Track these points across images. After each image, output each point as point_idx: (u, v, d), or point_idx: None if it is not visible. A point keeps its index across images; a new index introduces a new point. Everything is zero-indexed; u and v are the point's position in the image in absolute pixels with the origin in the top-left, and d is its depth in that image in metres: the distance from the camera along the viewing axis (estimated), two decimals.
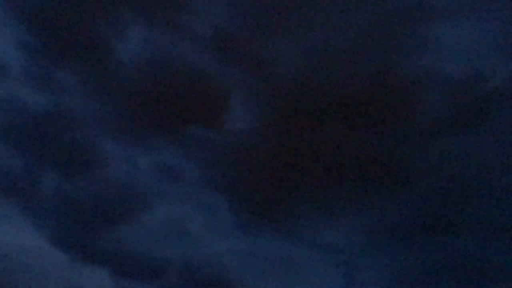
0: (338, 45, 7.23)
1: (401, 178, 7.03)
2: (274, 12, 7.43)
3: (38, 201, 7.83)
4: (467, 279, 6.57)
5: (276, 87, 7.84)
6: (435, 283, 6.80)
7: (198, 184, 8.14)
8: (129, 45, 7.88)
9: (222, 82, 7.99)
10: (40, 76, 7.80)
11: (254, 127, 7.96)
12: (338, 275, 7.34)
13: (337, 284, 7.27)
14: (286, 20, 7.58)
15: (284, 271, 7.66)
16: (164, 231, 8.05)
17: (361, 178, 7.30)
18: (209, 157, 8.15)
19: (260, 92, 7.95)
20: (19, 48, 7.50)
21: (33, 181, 7.83)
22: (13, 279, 7.06)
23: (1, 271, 7.04)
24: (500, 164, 6.62)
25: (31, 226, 7.72)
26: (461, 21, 6.63)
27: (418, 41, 6.86)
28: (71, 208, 7.86)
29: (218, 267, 7.88)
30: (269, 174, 7.96)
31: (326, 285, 7.39)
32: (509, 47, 6.62)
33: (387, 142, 7.03)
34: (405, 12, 6.94)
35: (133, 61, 7.90)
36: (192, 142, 8.22)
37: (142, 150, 8.27)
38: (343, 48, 7.22)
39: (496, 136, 6.57)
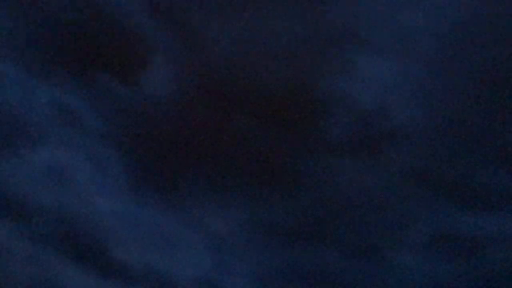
0: (272, 46, 7.16)
1: (294, 186, 7.09)
2: None
3: None
4: None
5: (203, 63, 7.54)
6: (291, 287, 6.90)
7: (95, 135, 7.49)
8: None
9: (149, 39, 7.49)
10: None
11: (170, 95, 7.54)
12: (210, 259, 7.16)
13: (206, 266, 7.10)
14: (232, 3, 7.34)
15: (162, 243, 7.29)
16: (45, 175, 7.26)
17: (258, 176, 7.23)
18: (115, 111, 7.54)
19: (185, 62, 7.57)
20: None
21: None
22: None
23: None
24: (381, 195, 6.95)
25: None
26: (385, 58, 6.88)
27: (342, 66, 6.99)
28: None
29: (95, 226, 7.27)
30: (172, 145, 7.56)
31: (196, 265, 7.18)
32: (419, 91, 6.96)
33: (291, 150, 7.06)
34: (338, 36, 7.06)
35: None
36: (101, 91, 7.58)
37: (45, 83, 7.44)
38: (275, 50, 7.17)
39: (385, 170, 6.88)
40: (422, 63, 6.99)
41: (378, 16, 7.19)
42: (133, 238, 7.49)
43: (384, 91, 7.19)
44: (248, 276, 7.45)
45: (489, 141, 6.79)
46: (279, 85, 7.51)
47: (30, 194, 7.15)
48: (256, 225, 7.54)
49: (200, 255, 7.53)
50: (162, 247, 7.46)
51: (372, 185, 7.21)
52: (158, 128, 7.69)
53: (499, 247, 6.69)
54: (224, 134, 7.67)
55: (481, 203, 6.88)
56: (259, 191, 7.49)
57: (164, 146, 7.66)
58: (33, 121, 7.41)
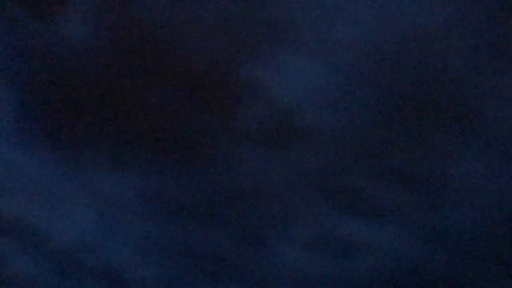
0: (203, 25, 6.99)
1: (198, 166, 7.09)
2: None
3: None
4: (202, 269, 6.93)
5: (128, 16, 7.06)
6: (169, 262, 6.99)
7: None
8: None
9: None
10: None
11: (85, 40, 6.96)
12: (95, 223, 6.94)
13: (89, 229, 6.91)
14: None
15: (47, 198, 6.85)
16: None
17: (163, 149, 7.09)
18: (21, 46, 6.78)
19: (110, 10, 7.02)
20: None
21: None
22: None
23: None
24: (277, 189, 7.25)
25: None
26: (311, 59, 7.08)
27: (267, 60, 7.09)
28: None
29: None
30: (76, 96, 7.03)
31: (78, 226, 6.93)
32: (335, 97, 7.27)
33: (202, 130, 7.02)
34: (269, 31, 7.11)
35: None
36: (8, 21, 6.73)
37: None
38: (206, 29, 7.01)
39: (287, 166, 7.17)
40: (344, 71, 7.16)
41: (313, 19, 7.20)
42: (14, 188, 6.84)
43: (303, 90, 7.26)
44: (131, 246, 7.22)
45: (384, 156, 7.21)
46: (202, 64, 7.24)
47: None
48: (151, 197, 7.30)
49: (84, 217, 7.13)
50: (46, 202, 6.93)
51: (272, 178, 7.31)
52: (65, 75, 6.99)
53: (370, 253, 7.22)
54: (135, 97, 7.22)
55: (363, 211, 7.34)
56: (161, 164, 7.23)
57: (68, 95, 7.01)
58: None
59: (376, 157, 7.20)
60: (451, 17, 6.83)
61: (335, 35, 7.15)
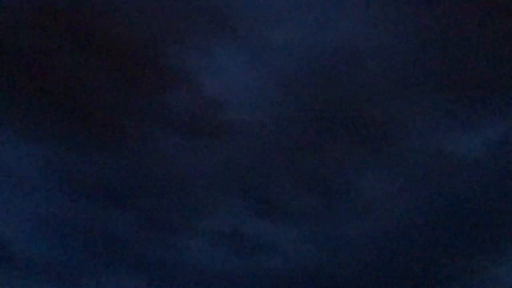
0: (138, 5, 6.82)
1: (115, 146, 6.95)
2: None
3: None
4: (96, 252, 6.90)
5: None
6: (63, 241, 6.87)
7: None
8: None
9: None
10: None
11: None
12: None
13: None
14: None
15: None
16: None
17: (79, 125, 6.83)
18: None
19: None
20: None
21: None
22: None
23: None
24: (194, 180, 7.32)
25: None
26: (245, 54, 7.16)
27: (198, 49, 7.09)
28: None
29: None
30: None
31: None
32: (266, 94, 7.45)
33: (125, 111, 6.89)
34: (206, 20, 7.11)
35: None
36: None
37: None
38: (140, 11, 6.85)
39: (207, 157, 7.26)
40: (276, 73, 7.23)
41: (254, 19, 7.18)
42: None
43: (234, 85, 7.24)
44: (24, 221, 6.81)
45: (299, 161, 7.43)
46: (133, 45, 6.94)
47: None
48: (54, 172, 6.90)
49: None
50: None
51: (189, 168, 7.23)
52: None
53: (275, 253, 7.42)
54: (58, 72, 6.75)
55: (272, 212, 7.52)
56: (74, 140, 6.86)
57: None
58: None
59: (292, 161, 7.32)
60: (383, 40, 7.09)
61: (273, 38, 7.14)
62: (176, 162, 6.93)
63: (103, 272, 6.77)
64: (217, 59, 6.98)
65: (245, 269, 7.03)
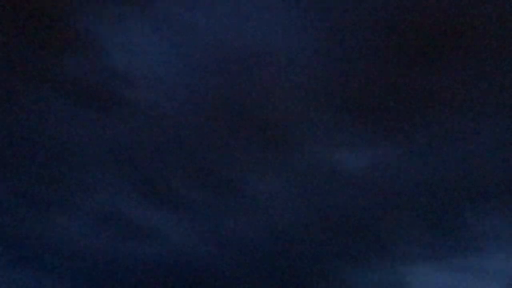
0: None
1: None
2: None
3: None
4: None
5: None
6: None
7: None
8: None
9: None
10: None
11: None
12: None
13: None
14: None
15: None
16: None
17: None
18: None
19: None
20: None
21: None
22: None
23: None
24: (85, 155, 7.10)
25: None
26: (159, 36, 7.06)
27: (109, 19, 6.88)
28: None
29: None
30: None
31: None
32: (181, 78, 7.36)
33: (14, 75, 6.47)
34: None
35: None
36: None
37: None
38: None
39: (105, 132, 7.09)
40: (188, 59, 7.05)
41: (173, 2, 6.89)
42: None
43: (141, 62, 6.94)
44: None
45: (195, 153, 7.40)
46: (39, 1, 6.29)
47: None
48: None
49: None
50: None
51: (79, 141, 6.84)
52: None
53: (156, 240, 7.36)
54: None
55: (160, 199, 7.42)
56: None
57: None
58: None
59: (188, 151, 7.19)
60: (298, 47, 7.18)
61: (190, 21, 6.86)
62: (64, 131, 6.37)
63: None
64: (127, 32, 6.50)
65: (125, 254, 6.77)
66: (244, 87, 7.00)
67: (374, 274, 7.18)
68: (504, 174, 6.75)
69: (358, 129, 7.05)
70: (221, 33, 6.78)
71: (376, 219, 7.15)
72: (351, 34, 6.80)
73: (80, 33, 6.26)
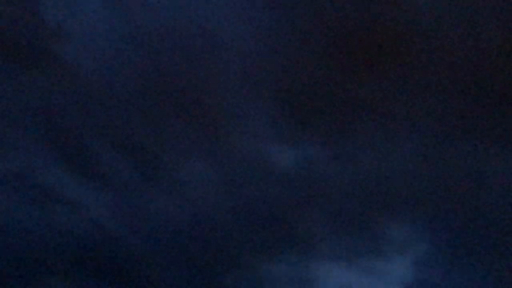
0: None
1: None
2: None
3: None
4: None
5: None
6: None
7: None
8: None
9: None
10: None
11: None
12: None
13: None
14: None
15: None
16: None
17: None
18: None
19: None
20: None
21: None
22: None
23: None
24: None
25: None
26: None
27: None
28: None
29: None
30: None
31: None
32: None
33: None
34: None
35: None
36: None
37: None
38: None
39: (33, 92, 6.73)
40: (131, 20, 6.73)
41: None
42: None
43: (80, 16, 6.48)
44: None
45: (123, 128, 7.11)
46: None
47: None
48: None
49: None
50: None
51: (4, 99, 6.31)
52: None
53: (74, 211, 7.02)
54: None
55: (86, 171, 7.05)
56: None
57: None
58: None
59: (116, 123, 6.87)
60: (241, 37, 7.08)
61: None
62: None
63: None
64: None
65: (38, 221, 6.33)
66: (185, 68, 6.71)
67: (285, 268, 7.29)
68: (419, 185, 7.09)
69: (290, 126, 7.05)
70: (171, 9, 6.41)
71: (295, 215, 7.23)
72: (300, 34, 6.74)
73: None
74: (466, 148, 6.86)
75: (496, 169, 6.83)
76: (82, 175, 6.48)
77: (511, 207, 6.65)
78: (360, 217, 7.28)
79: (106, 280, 6.56)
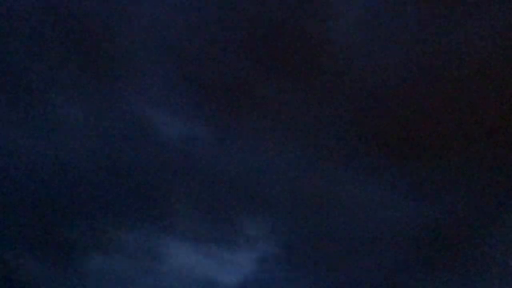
0: None
1: None
2: None
3: None
4: None
5: None
6: None
7: None
8: None
9: None
10: None
11: None
12: None
13: None
14: None
15: None
16: None
17: None
18: None
19: None
20: None
21: None
22: None
23: None
24: None
25: None
26: None
27: None
28: None
29: None
30: None
31: None
32: None
33: None
34: None
35: None
36: None
37: None
38: None
39: None
40: None
41: None
42: None
43: None
44: None
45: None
46: None
47: None
48: None
49: None
50: None
51: None
52: None
53: None
54: None
55: None
56: None
57: None
58: None
59: None
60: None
61: None
62: None
63: None
64: None
65: None
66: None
67: (134, 237, 7.20)
68: (281, 189, 7.51)
69: (185, 102, 7.05)
70: None
71: (161, 188, 7.20)
72: (220, 24, 6.81)
73: None
74: (330, 169, 7.33)
75: (351, 192, 7.43)
76: None
77: (357, 227, 7.28)
78: (221, 204, 7.40)
79: None
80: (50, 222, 6.87)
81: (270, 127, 7.30)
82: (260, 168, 7.37)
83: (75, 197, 6.91)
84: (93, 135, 6.83)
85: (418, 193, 7.15)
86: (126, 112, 6.93)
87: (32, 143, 6.65)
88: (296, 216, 7.40)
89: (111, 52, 6.72)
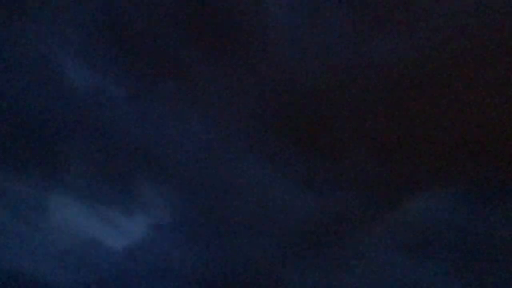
0: None
1: None
2: None
3: None
4: None
5: None
6: None
7: None
8: None
9: None
10: None
11: None
12: None
13: None
14: None
15: None
16: None
17: None
18: None
19: None
20: None
21: None
22: None
23: None
24: None
25: None
26: None
27: None
28: None
29: None
30: None
31: None
32: None
33: None
34: None
35: None
36: None
37: None
38: None
39: None
40: None
41: None
42: None
43: None
44: None
45: None
46: None
47: None
48: None
49: None
50: None
51: None
52: None
53: None
54: None
55: None
56: None
57: None
58: None
59: None
60: None
61: None
62: None
63: None
64: None
65: None
66: None
67: (28, 191, 6.91)
68: (185, 161, 7.61)
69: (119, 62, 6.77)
70: None
71: (68, 144, 6.93)
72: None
73: None
74: (235, 149, 7.50)
75: (250, 174, 7.71)
76: None
77: (250, 206, 7.63)
78: (120, 166, 7.26)
79: None
80: None
81: (185, 97, 7.15)
82: (167, 136, 7.22)
83: None
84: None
85: (313, 185, 7.54)
86: (34, 50, 6.27)
87: None
88: (195, 189, 7.44)
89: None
